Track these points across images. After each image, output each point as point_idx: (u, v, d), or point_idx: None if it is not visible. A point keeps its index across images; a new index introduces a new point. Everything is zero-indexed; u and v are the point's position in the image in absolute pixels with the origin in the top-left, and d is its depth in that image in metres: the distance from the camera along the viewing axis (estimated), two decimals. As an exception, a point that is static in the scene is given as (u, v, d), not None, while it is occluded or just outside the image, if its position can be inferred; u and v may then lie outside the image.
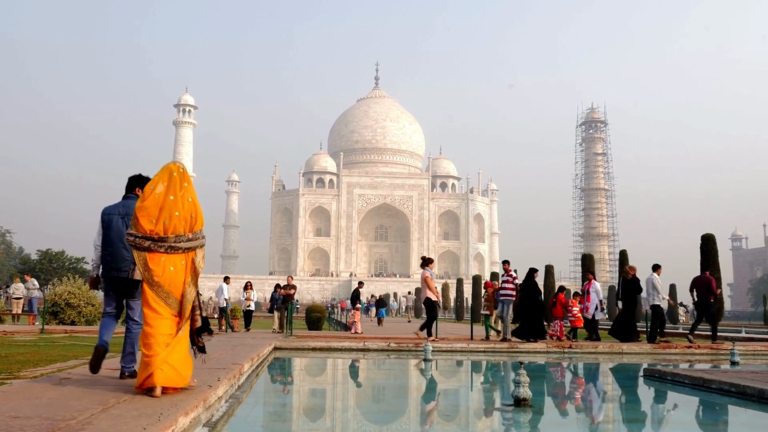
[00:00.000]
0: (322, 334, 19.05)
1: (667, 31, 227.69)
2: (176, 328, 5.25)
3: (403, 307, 62.80)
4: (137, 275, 5.70)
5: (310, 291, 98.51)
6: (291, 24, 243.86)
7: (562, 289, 18.22)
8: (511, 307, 15.45)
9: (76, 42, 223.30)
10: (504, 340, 15.22)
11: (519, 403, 6.28)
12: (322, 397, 8.15)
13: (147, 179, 6.06)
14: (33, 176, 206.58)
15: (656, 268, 15.98)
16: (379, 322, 32.14)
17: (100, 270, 6.13)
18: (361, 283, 23.57)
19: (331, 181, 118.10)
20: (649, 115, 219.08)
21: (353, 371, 11.36)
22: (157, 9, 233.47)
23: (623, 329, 15.94)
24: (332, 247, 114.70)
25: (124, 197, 6.28)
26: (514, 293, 15.44)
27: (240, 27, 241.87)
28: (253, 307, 21.41)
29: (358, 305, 21.53)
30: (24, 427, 3.78)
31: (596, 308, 16.80)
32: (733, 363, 11.67)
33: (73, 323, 21.41)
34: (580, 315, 17.02)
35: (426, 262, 15.92)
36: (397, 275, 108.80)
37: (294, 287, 19.87)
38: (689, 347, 14.59)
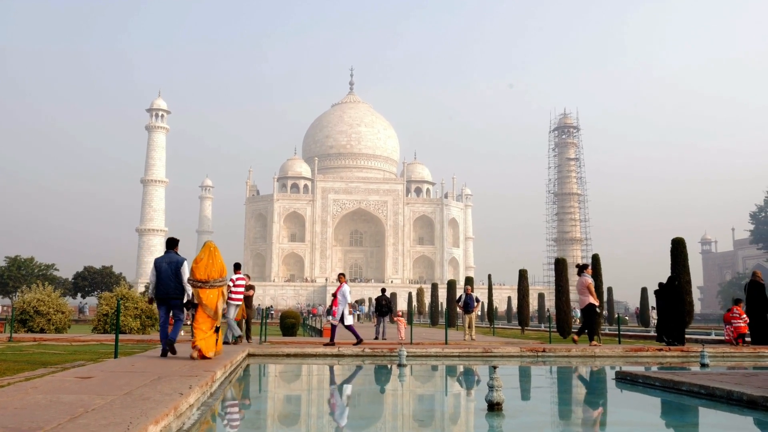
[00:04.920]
0: (296, 340, 18.94)
1: (642, 38, 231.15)
2: (211, 327, 10.05)
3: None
4: (195, 300, 10.14)
5: (284, 297, 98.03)
6: (265, 29, 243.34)
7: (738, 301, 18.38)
8: (235, 310, 15.27)
9: (51, 43, 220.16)
10: (228, 342, 14.83)
11: (492, 407, 6.30)
12: (297, 403, 8.10)
13: (177, 241, 10.78)
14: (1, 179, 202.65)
15: None
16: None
17: (154, 294, 10.40)
18: (383, 290, 22.26)
19: (305, 186, 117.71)
20: (620, 122, 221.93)
21: (328, 377, 11.31)
22: (134, 14, 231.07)
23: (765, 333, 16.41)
24: (307, 252, 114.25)
25: (167, 252, 10.60)
26: (241, 297, 15.39)
27: (214, 32, 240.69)
28: None
29: (399, 312, 21.16)
30: (-12, 438, 3.70)
31: (344, 312, 15.98)
32: (703, 365, 11.85)
33: (42, 331, 21.04)
34: (742, 322, 16.91)
35: (582, 269, 16.05)
36: (372, 280, 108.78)
37: (252, 287, 17.05)
38: (660, 350, 14.78)
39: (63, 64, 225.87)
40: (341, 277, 16.44)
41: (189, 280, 10.16)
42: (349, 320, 16.15)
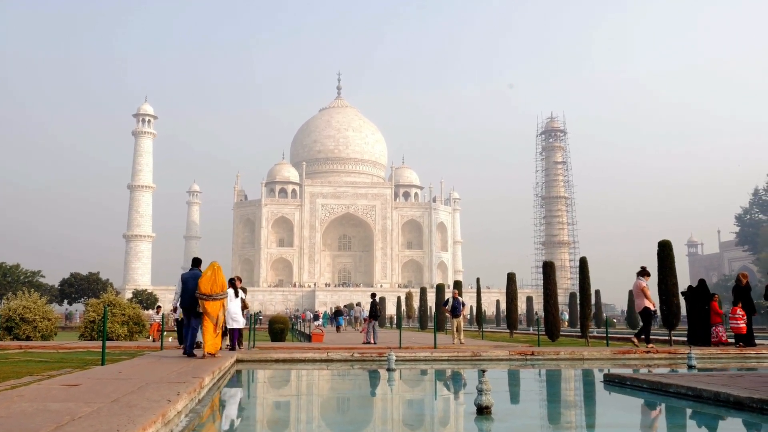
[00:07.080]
0: (285, 345, 18.88)
1: (627, 44, 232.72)
2: (215, 332, 12.05)
3: (362, 317, 62.67)
4: (201, 309, 11.96)
5: (273, 302, 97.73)
6: (253, 34, 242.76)
7: (712, 296, 18.21)
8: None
9: (39, 48, 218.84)
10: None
11: (482, 410, 6.30)
12: (286, 409, 8.07)
13: (200, 260, 12.88)
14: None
15: None
16: (337, 329, 38.73)
17: (180, 303, 12.62)
18: (374, 295, 22.63)
19: (293, 191, 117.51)
20: (607, 126, 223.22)
21: (316, 382, 11.29)
22: (123, 20, 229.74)
23: (750, 336, 16.64)
24: (295, 257, 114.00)
25: (191, 269, 12.59)
26: None
27: (202, 37, 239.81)
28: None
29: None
30: (-26, 447, 3.67)
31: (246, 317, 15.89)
32: (690, 367, 11.92)
33: (28, 338, 20.86)
34: (741, 323, 16.71)
35: (643, 272, 16.24)
36: (361, 285, 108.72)
37: (243, 290, 16.03)
38: (648, 352, 14.86)
39: (51, 69, 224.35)
40: (237, 281, 15.88)
41: (196, 293, 11.87)
42: (239, 324, 15.59)
